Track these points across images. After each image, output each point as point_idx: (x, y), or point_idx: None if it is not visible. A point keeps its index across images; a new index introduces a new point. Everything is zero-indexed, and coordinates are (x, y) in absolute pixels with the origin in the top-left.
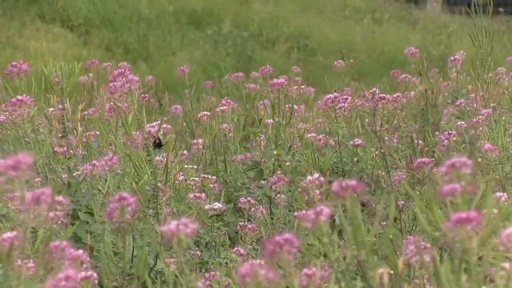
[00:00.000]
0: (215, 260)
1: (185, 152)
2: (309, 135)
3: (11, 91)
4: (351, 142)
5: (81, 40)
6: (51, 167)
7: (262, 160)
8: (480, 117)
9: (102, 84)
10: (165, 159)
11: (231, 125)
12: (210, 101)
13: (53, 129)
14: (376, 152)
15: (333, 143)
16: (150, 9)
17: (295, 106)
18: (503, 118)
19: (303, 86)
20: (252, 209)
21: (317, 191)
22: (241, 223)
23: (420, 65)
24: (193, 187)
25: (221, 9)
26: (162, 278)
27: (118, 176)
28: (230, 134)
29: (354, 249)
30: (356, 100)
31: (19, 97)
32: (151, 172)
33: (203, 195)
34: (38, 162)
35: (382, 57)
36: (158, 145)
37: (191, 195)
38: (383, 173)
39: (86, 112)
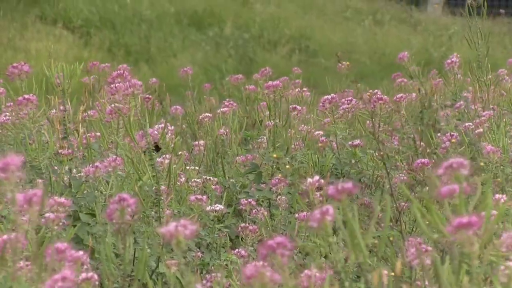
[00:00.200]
0: (216, 261)
1: (186, 153)
2: (311, 135)
3: (12, 93)
4: (349, 143)
5: (82, 42)
6: (53, 168)
7: (264, 163)
8: (481, 118)
9: (103, 85)
10: (169, 162)
11: (227, 130)
12: (211, 102)
13: (55, 131)
14: (375, 154)
15: (331, 144)
16: (151, 10)
17: (297, 107)
18: (504, 119)
19: (305, 89)
20: (254, 210)
21: (318, 193)
22: (242, 225)
23: (410, 68)
24: (195, 189)
25: (222, 11)
26: (163, 280)
27: (120, 178)
28: (228, 138)
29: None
30: (358, 102)
31: (26, 96)
32: (153, 176)
33: (204, 197)
34: (42, 163)
35: (383, 59)
36: (156, 147)
37: (192, 197)
38: (383, 174)
39: (86, 114)
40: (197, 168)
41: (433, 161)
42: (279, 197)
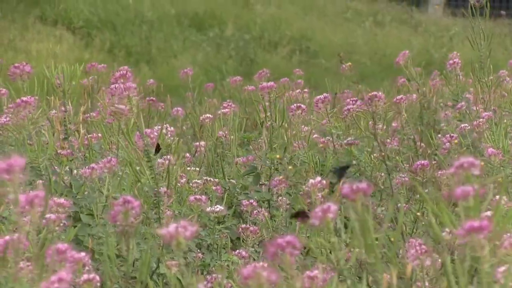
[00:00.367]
0: (217, 262)
1: (187, 154)
2: (312, 136)
3: (14, 93)
4: (345, 141)
5: (83, 43)
6: (53, 169)
7: (262, 164)
8: (481, 119)
9: (101, 86)
10: (167, 162)
11: (226, 132)
12: (212, 103)
13: (55, 131)
14: (374, 155)
15: (329, 143)
16: (152, 12)
17: (301, 106)
18: (504, 121)
19: (305, 89)
20: (255, 211)
21: (319, 194)
22: (242, 226)
23: (408, 70)
24: (196, 190)
25: (223, 12)
26: (164, 281)
27: (117, 178)
28: (227, 139)
29: (360, 251)
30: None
31: (24, 98)
32: (152, 177)
33: (203, 197)
34: (42, 164)
35: (384, 60)
36: (156, 148)
37: (191, 198)
38: (383, 175)
39: (89, 115)
40: (197, 169)
41: (434, 162)
42: (279, 198)
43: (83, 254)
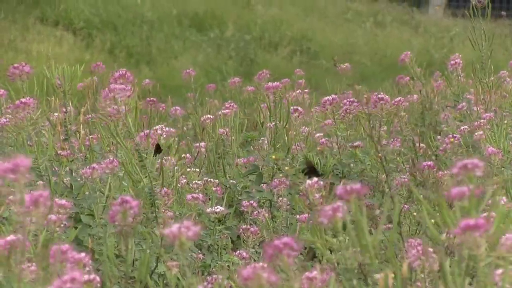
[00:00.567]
0: (217, 263)
1: (188, 155)
2: (312, 137)
3: (13, 94)
4: (350, 144)
5: (83, 43)
6: (54, 169)
7: (264, 164)
8: (482, 120)
9: (102, 87)
10: (166, 163)
11: (227, 130)
12: (213, 104)
13: (56, 132)
14: (374, 156)
15: (332, 145)
16: (153, 12)
17: (299, 109)
18: (505, 121)
19: (306, 90)
20: (255, 212)
21: (317, 195)
22: (243, 227)
23: (412, 69)
24: (196, 190)
25: (223, 12)
26: (164, 281)
27: (118, 179)
28: (228, 139)
29: (357, 252)
30: (359, 103)
31: (23, 100)
32: (145, 177)
33: (200, 195)
34: (41, 165)
35: (384, 60)
36: (157, 149)
37: (189, 196)
38: (384, 176)
39: (90, 116)
40: (197, 170)
41: (434, 163)
42: (280, 198)
43: (83, 254)
